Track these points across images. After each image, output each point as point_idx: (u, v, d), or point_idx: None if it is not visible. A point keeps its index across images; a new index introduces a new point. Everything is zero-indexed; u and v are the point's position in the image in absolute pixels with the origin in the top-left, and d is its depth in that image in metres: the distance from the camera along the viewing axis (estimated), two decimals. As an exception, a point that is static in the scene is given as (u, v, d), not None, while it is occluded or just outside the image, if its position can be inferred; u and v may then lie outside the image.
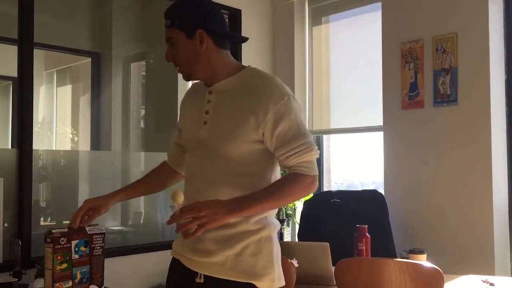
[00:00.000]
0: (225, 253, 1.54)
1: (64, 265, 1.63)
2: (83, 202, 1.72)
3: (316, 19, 4.01)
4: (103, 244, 1.72)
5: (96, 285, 1.71)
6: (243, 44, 3.83)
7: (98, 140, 4.18)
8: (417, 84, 3.20)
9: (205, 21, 1.57)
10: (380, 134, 3.42)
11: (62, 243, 1.63)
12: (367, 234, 2.57)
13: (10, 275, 2.44)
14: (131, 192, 1.81)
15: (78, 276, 1.66)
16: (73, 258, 1.65)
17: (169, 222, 1.41)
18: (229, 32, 1.65)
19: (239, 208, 1.46)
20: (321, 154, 4.01)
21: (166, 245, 2.58)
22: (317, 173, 1.57)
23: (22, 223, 2.79)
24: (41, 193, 3.22)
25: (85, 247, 1.69)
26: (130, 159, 3.72)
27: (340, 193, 3.34)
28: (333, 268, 2.39)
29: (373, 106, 3.51)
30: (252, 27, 3.93)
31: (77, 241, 1.66)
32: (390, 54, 3.35)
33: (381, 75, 3.40)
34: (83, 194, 3.33)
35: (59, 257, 1.61)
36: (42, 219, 3.21)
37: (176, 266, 1.67)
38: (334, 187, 3.96)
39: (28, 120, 2.84)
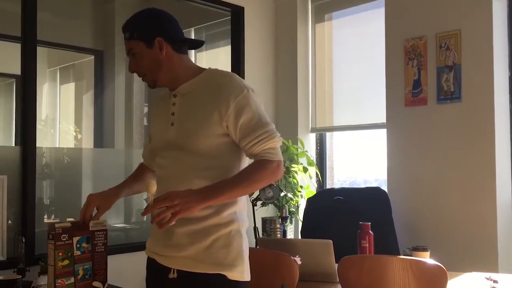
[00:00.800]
0: (196, 246, 1.59)
1: (66, 262, 1.62)
2: (87, 197, 1.75)
3: (319, 16, 4.00)
4: (105, 240, 1.72)
5: (99, 281, 1.70)
6: (246, 41, 3.84)
7: (101, 137, 4.19)
8: (421, 81, 3.19)
9: (161, 29, 1.66)
10: (383, 132, 3.41)
11: (64, 239, 1.62)
12: (370, 231, 2.57)
13: (14, 272, 2.45)
14: (128, 190, 1.86)
15: (81, 272, 1.65)
16: (75, 254, 1.64)
17: (143, 213, 1.47)
18: (186, 38, 1.75)
19: (211, 196, 1.52)
20: (323, 152, 4.01)
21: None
22: (282, 159, 1.64)
23: (25, 220, 2.80)
24: (44, 191, 3.23)
25: (87, 244, 1.68)
26: (133, 156, 3.72)
27: (343, 191, 3.33)
28: (336, 265, 2.40)
29: (376, 103, 3.51)
30: (254, 24, 3.92)
31: (78, 237, 1.66)
32: (394, 51, 3.34)
33: (384, 72, 3.39)
34: (87, 191, 3.32)
35: (60, 254, 1.61)
36: (45, 216, 3.22)
37: (150, 264, 1.72)
38: (337, 185, 3.96)
39: (31, 118, 2.84)
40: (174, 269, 1.61)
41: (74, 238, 1.64)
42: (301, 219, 3.47)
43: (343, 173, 4.03)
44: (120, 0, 4.08)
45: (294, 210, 3.66)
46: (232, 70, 3.81)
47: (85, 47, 4.20)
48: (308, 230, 3.28)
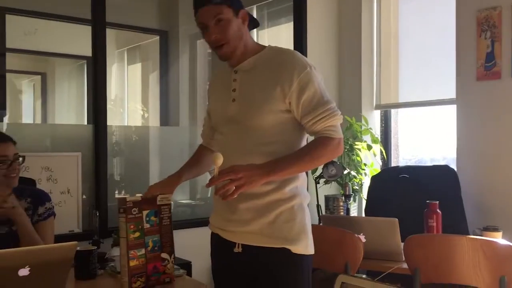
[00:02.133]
0: (259, 221, 1.61)
1: (137, 234, 1.68)
2: (148, 188, 1.78)
3: (384, -12, 3.86)
4: (169, 214, 1.77)
5: (167, 253, 1.76)
6: (308, 15, 3.78)
7: (166, 116, 4.31)
8: (494, 54, 3.02)
9: (242, 4, 1.67)
10: (452, 108, 3.27)
11: (134, 213, 1.68)
12: (438, 210, 2.50)
13: (89, 243, 2.60)
14: (187, 175, 1.88)
15: (150, 244, 1.71)
16: (144, 227, 1.70)
17: (208, 185, 1.50)
18: (252, 16, 1.74)
19: (273, 171, 1.53)
20: (388, 129, 3.91)
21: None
22: (342, 136, 1.65)
23: (99, 195, 2.95)
24: (115, 167, 3.38)
25: (155, 217, 1.73)
26: (197, 133, 3.77)
27: (409, 169, 3.25)
28: (401, 244, 2.36)
29: (445, 78, 3.36)
30: (317, -1, 3.85)
31: (147, 211, 1.71)
32: (465, 23, 3.17)
33: (454, 45, 3.24)
34: (154, 168, 3.46)
35: (132, 226, 1.67)
36: (116, 191, 3.38)
37: (215, 239, 1.76)
38: (402, 163, 3.86)
39: (102, 98, 2.97)
40: (238, 244, 1.65)
41: (143, 212, 1.70)
42: (365, 197, 3.43)
43: (409, 151, 3.92)
44: (184, -20, 4.13)
45: (357, 188, 3.61)
46: (294, 46, 3.77)
47: (150, 27, 4.30)
48: (372, 208, 3.23)
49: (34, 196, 2.09)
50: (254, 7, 4.06)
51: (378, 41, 3.88)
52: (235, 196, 1.49)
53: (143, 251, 1.70)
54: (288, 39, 3.86)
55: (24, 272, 1.60)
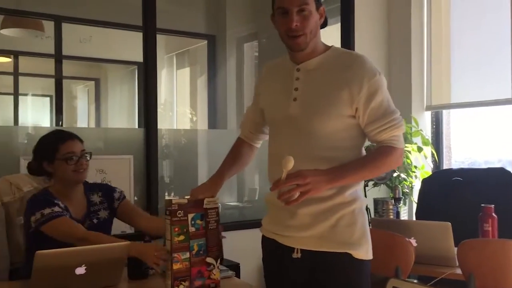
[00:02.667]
0: (320, 225, 1.58)
1: (182, 237, 1.66)
2: (190, 192, 1.76)
3: (435, -14, 3.77)
4: (217, 218, 1.74)
5: (213, 257, 1.73)
6: (356, 11, 3.74)
7: (214, 119, 4.37)
8: (553, 51, 2.89)
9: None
10: (508, 108, 3.15)
11: (179, 215, 1.66)
12: (493, 214, 2.41)
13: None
14: (228, 174, 1.84)
15: (195, 248, 1.69)
16: (190, 230, 1.68)
17: (273, 188, 1.46)
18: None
19: (337, 177, 1.51)
20: (440, 130, 3.81)
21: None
22: (404, 147, 1.63)
23: (150, 196, 3.03)
24: (164, 170, 3.45)
25: (201, 221, 1.70)
26: (245, 137, 3.83)
27: (462, 171, 3.15)
28: (455, 249, 2.29)
29: (500, 77, 3.24)
30: (365, -1, 3.80)
31: (193, 214, 1.69)
32: (521, 20, 3.05)
33: (510, 43, 3.11)
34: (202, 170, 3.51)
35: (176, 229, 1.65)
36: (166, 193, 3.45)
37: (270, 244, 1.71)
38: (454, 166, 3.74)
39: (153, 102, 3.04)
40: (297, 249, 1.61)
41: (189, 215, 1.68)
42: (415, 201, 3.35)
43: (462, 153, 3.80)
44: (231, -15, 4.18)
45: (407, 191, 3.53)
46: (342, 47, 3.73)
47: (198, 32, 4.37)
48: (424, 211, 3.15)
49: (103, 190, 2.19)
50: (301, 9, 4.05)
51: (428, 40, 3.79)
52: (299, 202, 1.46)
53: (187, 254, 1.67)
54: (335, 41, 3.83)
55: (80, 270, 1.67)
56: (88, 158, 2.10)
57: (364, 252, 1.60)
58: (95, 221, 2.10)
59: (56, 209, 1.96)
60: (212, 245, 1.72)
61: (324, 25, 1.70)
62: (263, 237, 1.76)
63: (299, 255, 1.61)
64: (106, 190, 2.20)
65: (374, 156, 1.60)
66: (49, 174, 2.09)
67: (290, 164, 1.43)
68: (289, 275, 1.66)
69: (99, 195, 2.17)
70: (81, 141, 2.12)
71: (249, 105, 1.90)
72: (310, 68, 1.63)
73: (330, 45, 1.69)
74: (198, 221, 1.70)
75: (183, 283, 1.67)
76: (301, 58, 1.63)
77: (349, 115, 1.58)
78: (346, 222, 1.59)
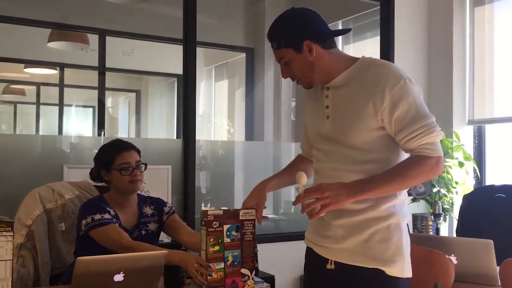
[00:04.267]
0: (352, 239, 1.57)
1: (217, 248, 1.68)
2: (243, 205, 1.77)
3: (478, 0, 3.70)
4: (253, 229, 1.74)
5: (247, 269, 1.74)
6: (396, 29, 3.70)
7: (251, 131, 4.39)
8: None
9: (307, 31, 1.59)
10: (555, 123, 3.04)
11: (215, 226, 1.68)
12: (539, 233, 2.32)
13: (177, 253, 2.69)
14: (281, 182, 1.85)
15: (230, 259, 1.70)
16: (225, 241, 1.69)
17: (294, 203, 1.48)
18: (332, 31, 1.66)
19: (362, 190, 1.48)
20: (482, 146, 3.71)
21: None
22: (442, 155, 1.54)
23: (187, 207, 3.06)
24: (202, 180, 3.49)
25: (236, 232, 1.72)
26: (281, 149, 3.85)
27: (505, 188, 3.05)
28: (497, 267, 2.22)
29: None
30: (405, 11, 3.77)
31: (229, 225, 1.70)
32: None
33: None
34: (239, 181, 3.53)
35: (211, 240, 1.68)
36: (202, 204, 3.48)
37: (309, 254, 1.73)
38: (497, 182, 3.63)
39: (191, 113, 3.09)
40: (331, 260, 1.62)
41: (224, 226, 1.70)
42: (456, 217, 3.26)
43: (506, 169, 3.68)
44: (270, -1, 4.23)
45: (448, 207, 3.45)
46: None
47: (237, 45, 4.43)
48: (465, 228, 3.06)
49: (155, 204, 2.25)
50: (340, 22, 4.05)
51: (471, 53, 3.71)
52: (322, 215, 1.47)
53: (222, 265, 1.69)
54: (374, 54, 3.80)
55: (119, 277, 1.70)
56: (143, 169, 2.16)
57: (399, 269, 1.56)
58: (143, 232, 2.15)
59: (107, 216, 2.03)
60: (247, 257, 1.74)
61: (340, 33, 1.72)
62: (306, 247, 1.77)
63: (332, 266, 1.62)
64: (158, 204, 2.25)
65: (404, 166, 1.54)
66: (107, 181, 2.17)
67: (303, 179, 1.48)
68: (325, 285, 1.66)
69: (151, 208, 2.23)
70: (138, 151, 2.18)
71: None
72: (338, 85, 1.63)
73: (359, 57, 1.67)
74: (234, 232, 1.72)
75: None
76: (324, 82, 1.65)
77: (377, 127, 1.55)
78: (380, 238, 1.56)
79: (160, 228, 2.23)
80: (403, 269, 1.57)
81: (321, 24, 1.64)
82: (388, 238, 1.56)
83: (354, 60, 1.65)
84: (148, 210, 2.21)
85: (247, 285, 1.74)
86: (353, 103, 1.58)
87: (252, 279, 1.76)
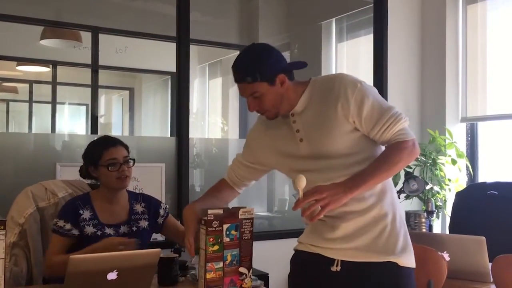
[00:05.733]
0: (364, 237, 1.61)
1: (216, 247, 1.68)
2: (185, 215, 1.73)
3: (470, -3, 3.72)
4: (251, 228, 1.75)
5: (245, 267, 1.75)
6: (389, 26, 3.72)
7: (245, 129, 4.38)
8: None
9: (279, 64, 1.64)
10: (547, 120, 3.06)
11: (214, 226, 1.68)
12: (530, 229, 2.34)
13: (171, 251, 2.69)
14: (206, 206, 1.79)
15: (229, 258, 1.71)
16: (224, 241, 1.69)
17: (294, 208, 1.49)
18: (295, 64, 1.72)
19: (357, 185, 1.52)
20: (475, 143, 3.73)
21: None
22: (414, 137, 1.63)
23: (181, 205, 3.06)
24: (195, 178, 3.48)
25: (235, 231, 1.72)
26: (276, 147, 3.84)
27: (498, 185, 3.07)
28: (489, 264, 2.24)
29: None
30: (399, 9, 3.78)
31: (228, 225, 1.70)
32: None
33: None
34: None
35: (211, 239, 1.68)
36: (197, 202, 3.47)
37: (303, 259, 1.74)
38: (490, 179, 3.65)
39: (185, 111, 3.09)
40: (338, 261, 1.63)
41: (224, 226, 1.69)
42: (449, 214, 3.28)
43: (497, 167, 3.71)
44: (263, -3, 4.22)
45: (441, 204, 3.47)
46: (374, 58, 3.72)
47: (231, 43, 4.42)
48: (457, 225, 3.08)
49: (146, 201, 2.25)
50: (333, 20, 4.05)
51: (464, 51, 3.73)
52: (322, 216, 1.49)
53: (220, 264, 1.69)
54: (368, 52, 3.81)
55: (112, 276, 1.70)
56: (131, 165, 2.15)
57: (409, 259, 1.63)
58: (134, 229, 2.15)
59: (67, 226, 2.04)
60: (245, 255, 1.74)
61: (299, 67, 1.70)
62: (296, 252, 1.78)
63: (338, 268, 1.63)
64: (151, 203, 2.25)
65: (386, 155, 1.61)
66: (96, 178, 2.17)
67: (303, 182, 1.49)
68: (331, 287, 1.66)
69: (142, 205, 2.23)
70: (126, 147, 2.18)
71: (240, 153, 1.91)
72: (301, 110, 1.68)
73: (308, 79, 1.73)
74: (233, 232, 1.72)
75: None
76: (288, 110, 1.69)
77: (352, 129, 1.63)
78: (389, 232, 1.62)
79: (153, 228, 2.23)
80: (411, 259, 1.64)
81: (283, 57, 1.70)
82: (396, 231, 1.62)
83: (305, 83, 1.71)
84: (138, 208, 2.21)
85: (244, 283, 1.74)
86: (322, 117, 1.64)
87: (250, 277, 1.76)
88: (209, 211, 1.69)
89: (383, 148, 1.69)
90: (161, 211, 2.26)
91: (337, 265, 1.63)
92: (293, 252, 1.82)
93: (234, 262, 1.71)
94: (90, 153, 2.17)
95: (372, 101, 1.61)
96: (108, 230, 2.10)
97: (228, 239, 1.70)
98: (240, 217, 1.72)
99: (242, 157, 1.90)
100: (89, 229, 2.07)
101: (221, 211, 1.71)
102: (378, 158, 1.62)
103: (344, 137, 1.62)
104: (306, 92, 1.69)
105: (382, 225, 1.61)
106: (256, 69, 1.62)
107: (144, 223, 2.19)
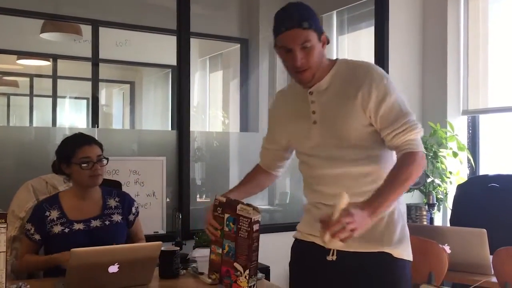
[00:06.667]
0: None
1: (218, 232, 1.68)
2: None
3: (472, -11, 3.69)
4: (248, 228, 1.65)
5: (240, 265, 1.67)
6: (390, 19, 3.70)
7: (246, 122, 4.38)
8: None
9: (321, 25, 1.60)
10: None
11: (218, 212, 1.68)
12: (531, 222, 2.34)
13: (172, 244, 2.70)
14: (240, 195, 1.80)
15: (226, 248, 1.68)
16: (224, 229, 1.68)
17: (327, 228, 1.40)
18: None
19: (377, 209, 1.46)
20: (476, 136, 3.72)
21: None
22: (423, 149, 1.59)
23: (181, 198, 3.06)
24: (196, 172, 3.49)
25: (233, 224, 1.68)
26: (277, 140, 3.84)
27: (499, 177, 3.06)
28: (490, 256, 2.24)
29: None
30: (400, 0, 3.76)
31: (228, 215, 1.68)
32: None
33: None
34: (234, 173, 3.53)
35: (217, 223, 1.67)
36: (198, 195, 3.48)
37: (301, 248, 1.73)
38: (491, 172, 3.65)
39: (185, 105, 3.09)
40: (333, 251, 1.61)
41: (225, 215, 1.68)
42: (450, 207, 3.28)
43: (499, 159, 3.70)
44: (264, -11, 4.20)
45: (442, 197, 3.47)
46: (375, 51, 3.70)
47: (231, 36, 4.41)
48: (458, 218, 3.08)
49: (121, 197, 2.25)
50: (334, 12, 4.04)
51: (465, 44, 3.71)
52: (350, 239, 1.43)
53: (220, 250, 1.69)
54: (369, 44, 3.79)
55: (113, 268, 1.71)
56: (105, 163, 2.15)
57: (405, 251, 1.62)
58: (107, 223, 2.15)
59: (32, 231, 2.07)
60: (241, 253, 1.67)
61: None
62: (295, 240, 1.77)
63: (334, 257, 1.61)
64: (125, 198, 2.25)
65: (399, 170, 1.54)
66: (68, 175, 2.16)
67: (345, 201, 1.43)
68: (321, 279, 1.66)
69: (116, 200, 2.23)
70: (99, 145, 2.17)
71: (265, 135, 1.89)
72: (322, 88, 1.64)
73: (335, 58, 1.68)
74: (231, 224, 1.69)
75: (215, 273, 1.71)
76: (312, 82, 1.64)
77: (368, 124, 1.59)
78: (386, 223, 1.60)
79: (125, 222, 2.23)
80: (408, 251, 1.63)
81: None
82: (394, 224, 1.61)
83: (333, 62, 1.66)
84: (112, 202, 2.21)
85: (239, 281, 1.69)
86: (340, 104, 1.60)
87: (245, 277, 1.68)
88: (217, 196, 1.69)
89: (392, 152, 1.64)
90: (133, 209, 2.26)
91: (332, 255, 1.61)
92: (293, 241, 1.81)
93: (230, 254, 1.69)
94: (64, 149, 2.15)
95: (393, 101, 1.56)
96: (77, 226, 2.09)
97: (227, 229, 1.68)
98: (237, 212, 1.67)
99: (265, 140, 1.88)
100: (57, 228, 2.08)
101: (224, 200, 1.69)
102: (391, 177, 1.53)
103: (358, 128, 1.59)
104: (333, 71, 1.64)
105: (380, 216, 1.58)
106: (311, 17, 1.56)
107: (117, 217, 2.19)
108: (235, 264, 1.68)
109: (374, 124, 1.59)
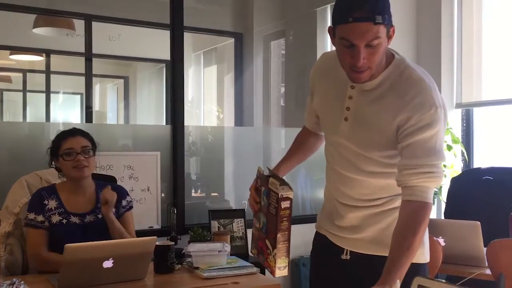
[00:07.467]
0: (371, 228, 1.53)
1: (258, 206, 1.60)
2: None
3: (466, -18, 3.69)
4: (276, 205, 1.51)
5: (269, 242, 1.55)
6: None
7: (241, 116, 4.38)
8: None
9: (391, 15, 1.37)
10: (542, 105, 3.07)
11: (258, 184, 1.60)
12: (524, 214, 2.35)
13: (167, 239, 2.70)
14: (292, 165, 1.75)
15: (261, 222, 1.58)
16: (261, 202, 1.58)
17: None
18: None
19: (396, 276, 1.31)
20: (470, 129, 3.74)
21: (307, 219, 2.63)
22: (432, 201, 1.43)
23: (176, 193, 3.05)
24: (191, 166, 3.48)
25: (267, 199, 1.56)
26: (271, 134, 3.84)
27: (492, 170, 3.08)
28: (484, 249, 2.25)
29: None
30: (393, -5, 3.75)
31: (264, 188, 1.57)
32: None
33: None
34: (229, 167, 3.53)
35: (258, 195, 1.59)
36: (193, 190, 3.47)
37: (320, 241, 1.68)
38: (485, 165, 3.66)
39: (180, 99, 3.07)
40: (347, 250, 1.57)
41: (262, 188, 1.58)
42: (444, 200, 3.30)
43: (492, 153, 3.71)
44: (258, -17, 4.19)
45: (436, 190, 3.48)
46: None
47: (226, 30, 4.39)
48: (452, 211, 3.10)
49: (115, 190, 2.21)
50: (328, 6, 4.03)
51: (459, 36, 3.71)
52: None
53: (257, 225, 1.60)
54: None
55: (108, 264, 1.70)
56: (91, 154, 2.12)
57: (421, 256, 1.50)
58: (99, 216, 2.13)
59: (40, 218, 2.04)
60: (270, 231, 1.55)
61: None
62: (316, 233, 1.72)
63: (348, 256, 1.57)
64: (118, 192, 2.20)
65: (410, 227, 1.37)
66: (59, 169, 2.15)
67: None
68: (339, 275, 1.61)
69: None
70: (87, 137, 2.14)
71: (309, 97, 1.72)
72: (365, 89, 1.47)
73: (392, 54, 1.49)
74: (265, 198, 1.58)
75: (256, 247, 1.63)
76: (372, 78, 1.45)
77: (394, 142, 1.44)
78: None
79: (117, 215, 2.18)
80: (422, 254, 1.52)
81: None
82: None
83: (389, 59, 1.46)
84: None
85: (269, 259, 1.57)
86: (376, 114, 1.44)
87: (273, 256, 1.55)
88: (259, 168, 1.60)
89: None
90: (124, 202, 2.22)
91: (346, 254, 1.57)
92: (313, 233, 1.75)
93: (263, 230, 1.58)
94: (52, 144, 2.15)
95: (431, 135, 1.37)
96: (74, 219, 2.09)
97: (262, 203, 1.58)
98: (268, 186, 1.55)
99: (308, 99, 1.71)
100: (55, 218, 2.07)
101: (262, 171, 1.60)
102: (400, 241, 1.36)
103: (385, 148, 1.45)
104: (384, 72, 1.44)
105: (392, 218, 1.49)
106: (386, 8, 1.34)
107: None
108: (266, 241, 1.57)
109: (399, 147, 1.42)
